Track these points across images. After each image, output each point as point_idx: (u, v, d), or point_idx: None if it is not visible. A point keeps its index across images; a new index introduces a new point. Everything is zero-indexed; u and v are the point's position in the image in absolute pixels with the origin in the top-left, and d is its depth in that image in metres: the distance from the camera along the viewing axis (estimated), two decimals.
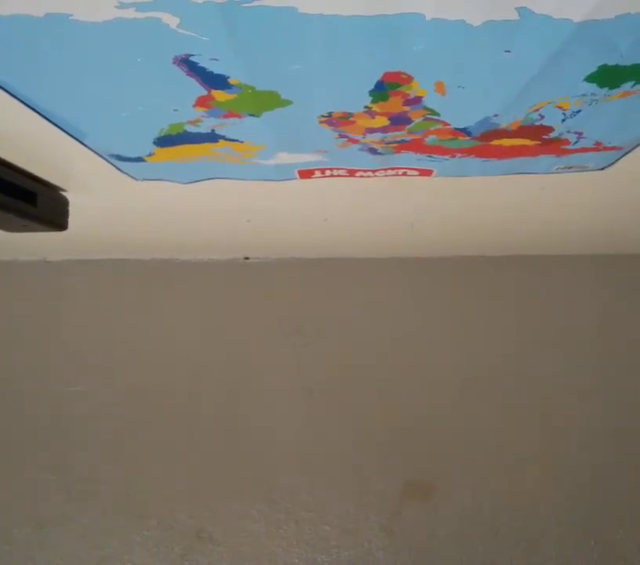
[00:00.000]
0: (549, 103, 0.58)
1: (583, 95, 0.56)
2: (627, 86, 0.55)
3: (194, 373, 1.36)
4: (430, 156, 0.74)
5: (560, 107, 0.59)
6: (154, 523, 1.28)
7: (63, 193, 0.88)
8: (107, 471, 1.31)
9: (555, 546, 1.23)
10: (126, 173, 0.80)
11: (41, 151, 0.73)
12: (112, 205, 0.98)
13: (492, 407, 1.30)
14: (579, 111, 0.60)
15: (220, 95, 0.55)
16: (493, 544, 1.24)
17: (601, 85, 0.54)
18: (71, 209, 0.90)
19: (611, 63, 0.50)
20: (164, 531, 1.28)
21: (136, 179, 0.83)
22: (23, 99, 0.57)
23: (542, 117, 0.61)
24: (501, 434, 1.29)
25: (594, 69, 0.51)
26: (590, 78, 0.53)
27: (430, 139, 0.68)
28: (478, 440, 1.29)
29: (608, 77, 0.53)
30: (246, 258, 1.41)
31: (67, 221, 0.90)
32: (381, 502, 1.27)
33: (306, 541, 1.26)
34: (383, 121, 0.62)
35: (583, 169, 0.79)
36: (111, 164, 0.76)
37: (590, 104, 0.58)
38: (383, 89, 0.55)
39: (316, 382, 1.34)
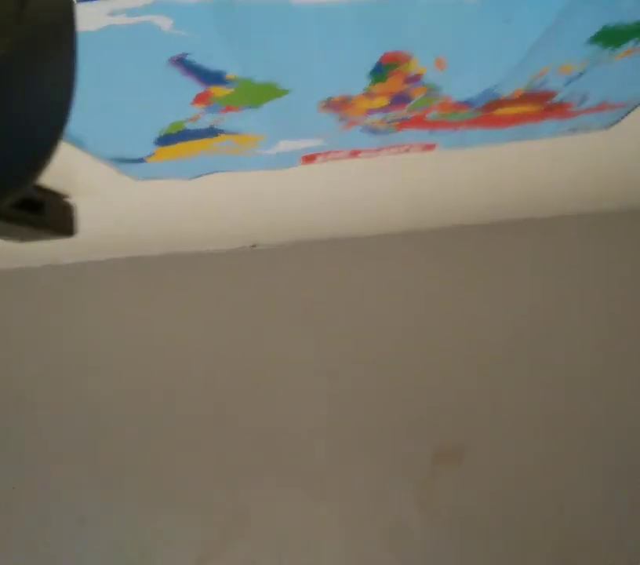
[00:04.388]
0: (552, 67, 0.57)
1: (587, 57, 0.55)
2: (630, 44, 0.53)
3: (213, 362, 1.37)
4: (432, 131, 0.73)
5: (563, 71, 0.58)
6: (191, 509, 1.31)
7: (69, 199, 0.87)
8: (138, 463, 1.34)
9: (587, 502, 1.24)
10: (128, 174, 0.80)
11: None
12: (117, 207, 0.98)
13: (517, 370, 1.31)
14: (583, 73, 0.59)
15: (217, 91, 0.54)
16: (526, 504, 1.25)
17: (605, 45, 0.53)
18: (77, 213, 0.90)
19: (614, 22, 0.49)
20: (201, 515, 1.31)
21: (138, 179, 0.82)
22: None
23: (545, 82, 0.60)
24: (528, 396, 1.30)
25: (597, 29, 0.50)
26: (593, 40, 0.51)
27: (431, 114, 0.67)
28: (506, 404, 1.30)
29: (611, 36, 0.51)
30: (253, 246, 1.41)
31: (75, 227, 0.89)
32: (413, 471, 1.29)
33: (341, 517, 1.28)
34: (383, 101, 0.61)
35: (587, 129, 0.77)
36: (113, 167, 0.76)
37: (594, 65, 0.57)
38: (382, 70, 0.54)
39: (336, 362, 1.35)
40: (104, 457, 1.35)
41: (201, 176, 0.83)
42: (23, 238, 0.84)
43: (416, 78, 0.56)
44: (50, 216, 0.81)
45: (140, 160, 0.73)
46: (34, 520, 1.34)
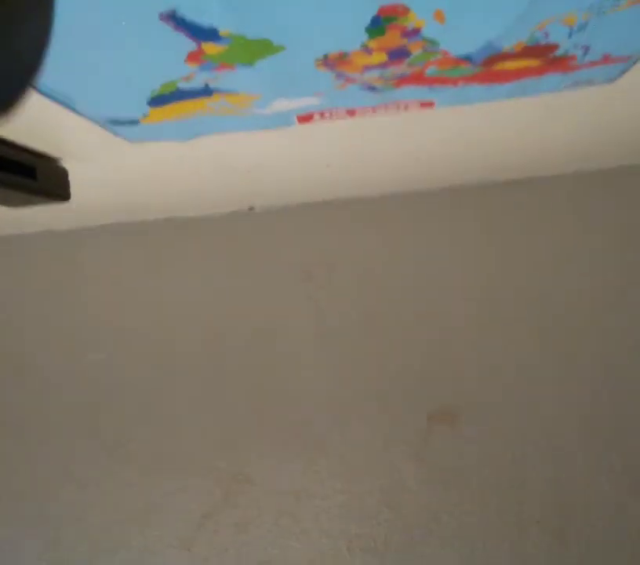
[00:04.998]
0: (554, 19, 0.55)
1: (590, 7, 0.53)
2: None
3: (213, 327, 1.38)
4: (430, 87, 0.72)
5: (566, 23, 0.56)
6: (193, 471, 1.33)
7: (61, 163, 0.86)
8: (140, 430, 1.35)
9: (581, 460, 1.27)
10: (122, 137, 0.78)
11: (33, 123, 0.71)
12: (111, 170, 0.96)
13: (511, 333, 1.31)
14: (585, 25, 0.57)
15: (210, 48, 0.53)
16: (521, 463, 1.28)
17: None
18: (71, 177, 0.89)
19: None
20: (203, 478, 1.33)
21: (132, 141, 0.81)
22: None
23: (547, 35, 0.58)
24: (521, 358, 1.31)
25: None
26: None
27: (430, 70, 0.65)
28: (499, 365, 1.31)
29: None
30: (251, 208, 1.40)
31: (68, 191, 0.88)
32: (409, 431, 1.31)
33: (339, 474, 1.31)
34: (381, 57, 0.59)
35: (590, 83, 0.76)
36: (106, 129, 0.74)
37: (597, 16, 0.55)
38: (379, 24, 0.52)
39: (335, 324, 1.35)
40: (105, 423, 1.37)
41: (196, 137, 0.82)
42: (15, 203, 0.83)
43: (414, 32, 0.54)
44: (43, 180, 0.80)
45: (134, 121, 0.71)
46: (37, 487, 1.36)
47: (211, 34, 0.50)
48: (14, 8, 0.24)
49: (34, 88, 0.59)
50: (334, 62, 0.59)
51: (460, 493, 1.28)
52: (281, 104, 0.71)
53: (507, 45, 0.60)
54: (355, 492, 1.30)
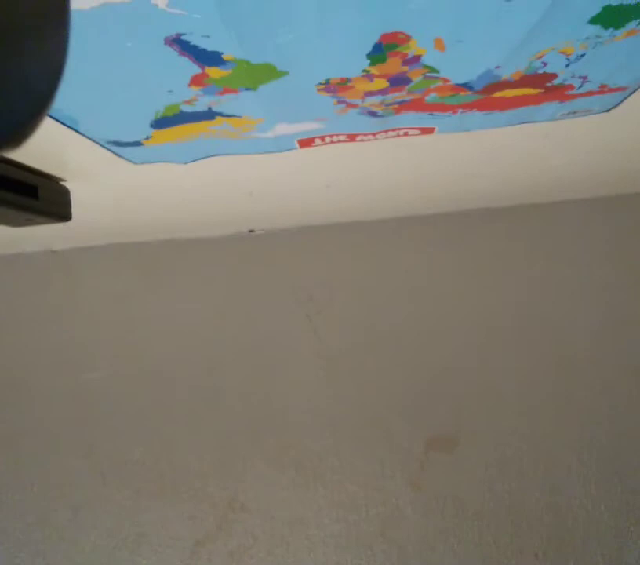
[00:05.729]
0: (552, 49, 0.56)
1: (588, 38, 0.54)
2: (632, 25, 0.53)
3: (210, 349, 1.37)
4: (431, 114, 0.73)
5: (563, 53, 0.57)
6: (187, 497, 1.31)
7: (63, 183, 0.87)
8: (135, 452, 1.34)
9: (580, 486, 1.25)
10: (125, 158, 0.79)
11: (37, 143, 0.72)
12: (112, 191, 0.97)
13: (509, 359, 1.31)
14: (583, 55, 0.58)
15: (214, 72, 0.54)
16: (519, 489, 1.26)
17: (606, 26, 0.52)
18: (72, 197, 0.89)
19: (615, 2, 0.48)
20: (197, 504, 1.31)
21: (134, 163, 0.81)
22: None
23: (545, 64, 0.59)
24: (519, 382, 1.30)
25: (598, 10, 0.49)
26: (594, 20, 0.51)
27: (430, 97, 0.66)
28: (497, 390, 1.30)
29: (612, 17, 0.51)
30: (251, 231, 1.40)
31: (70, 211, 0.89)
32: (406, 458, 1.30)
33: (336, 502, 1.29)
34: (382, 83, 0.60)
35: (588, 112, 0.77)
36: (109, 150, 0.75)
37: (594, 47, 0.56)
38: (381, 51, 0.53)
39: (333, 347, 1.35)
40: (99, 445, 1.35)
41: (198, 160, 0.82)
42: (16, 222, 0.83)
43: (415, 60, 0.55)
44: (44, 200, 0.80)
45: (137, 143, 0.72)
46: (30, 512, 1.34)
47: (215, 59, 0.51)
48: (27, 31, 0.24)
49: (47, 116, 0.60)
50: (336, 87, 0.60)
51: (458, 522, 1.26)
52: (283, 128, 0.72)
53: (505, 74, 0.61)
54: (351, 520, 1.28)
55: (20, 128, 0.25)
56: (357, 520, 1.28)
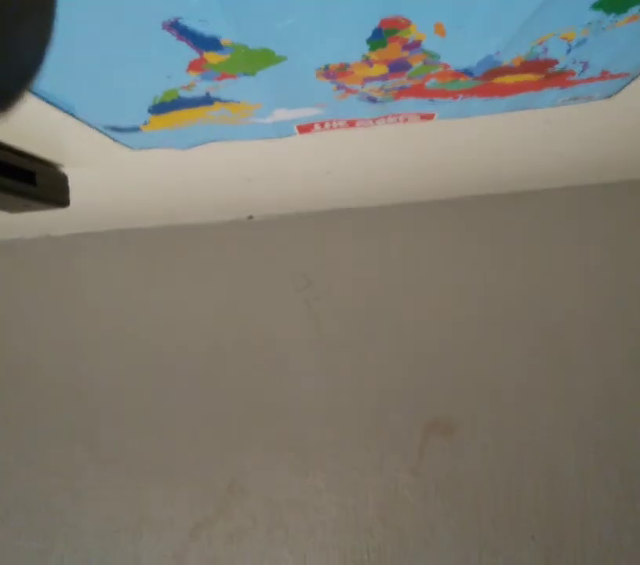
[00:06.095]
0: (553, 35, 0.56)
1: (589, 23, 0.54)
2: (634, 10, 0.52)
3: (210, 335, 1.38)
4: (431, 100, 0.72)
5: (565, 38, 0.57)
6: (186, 481, 1.33)
7: (61, 169, 0.86)
8: (134, 439, 1.35)
9: (578, 472, 1.27)
10: (122, 144, 0.78)
11: (34, 129, 0.72)
12: (111, 177, 0.96)
13: (507, 345, 1.32)
14: (584, 41, 0.57)
15: (212, 57, 0.53)
16: (517, 476, 1.27)
17: (608, 12, 0.52)
18: (71, 183, 0.89)
19: None
20: (197, 488, 1.32)
21: (132, 148, 0.81)
22: None
23: (546, 50, 0.59)
24: (517, 368, 1.31)
25: None
26: (596, 5, 0.50)
27: (430, 83, 0.66)
28: (495, 376, 1.31)
29: (615, 2, 0.50)
30: (250, 217, 1.40)
31: (68, 197, 0.88)
32: (405, 444, 1.31)
33: (335, 486, 1.30)
34: (382, 69, 0.60)
35: (589, 99, 0.76)
36: (106, 135, 0.75)
37: (596, 32, 0.56)
38: (380, 36, 0.52)
39: (332, 333, 1.35)
40: (99, 431, 1.36)
41: (196, 145, 0.82)
42: (14, 208, 0.83)
43: (415, 45, 0.55)
44: (42, 186, 0.80)
45: (135, 129, 0.72)
46: (32, 496, 1.35)
47: (213, 44, 0.51)
48: (13, 6, 0.24)
49: (32, 92, 0.60)
50: (335, 73, 0.60)
51: (456, 506, 1.27)
52: (282, 114, 0.72)
53: (506, 60, 0.60)
54: (350, 504, 1.29)
55: (4, 97, 0.25)
56: (356, 504, 1.29)
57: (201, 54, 0.52)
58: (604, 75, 0.68)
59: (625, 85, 0.72)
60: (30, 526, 1.34)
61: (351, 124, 0.79)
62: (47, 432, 1.37)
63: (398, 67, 0.60)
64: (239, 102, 0.66)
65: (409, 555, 1.26)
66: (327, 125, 0.78)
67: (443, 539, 1.26)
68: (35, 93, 0.60)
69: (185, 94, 0.62)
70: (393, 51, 0.55)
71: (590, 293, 1.32)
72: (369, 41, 0.53)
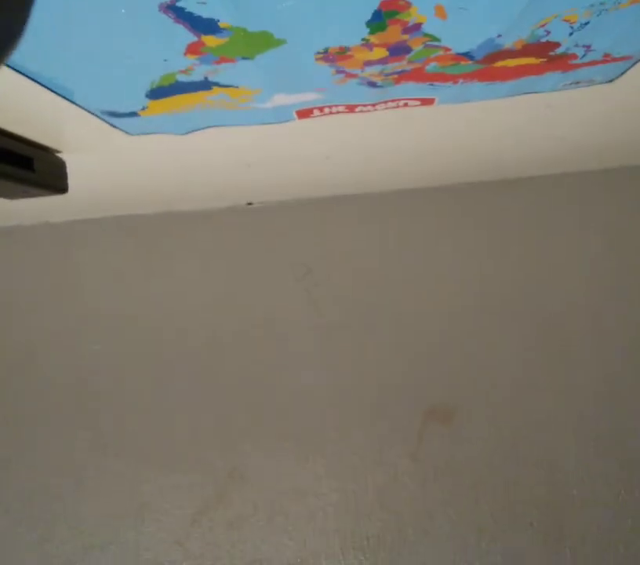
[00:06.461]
0: (555, 17, 0.55)
1: (592, 5, 0.53)
2: None
3: (209, 322, 1.38)
4: (431, 84, 0.72)
5: (567, 21, 0.56)
6: (186, 467, 1.33)
7: (59, 155, 0.86)
8: (135, 424, 1.35)
9: (576, 458, 1.27)
10: (120, 129, 0.78)
11: (31, 114, 0.71)
12: (109, 162, 0.96)
13: (508, 333, 1.32)
14: (587, 23, 0.57)
15: (210, 40, 0.53)
16: (515, 465, 1.28)
17: None
18: (68, 169, 0.89)
19: None
20: (196, 474, 1.33)
21: (130, 134, 0.80)
22: None
23: (548, 33, 0.58)
24: (516, 356, 1.31)
25: None
26: None
27: (431, 66, 0.65)
28: (495, 364, 1.31)
29: None
30: (249, 203, 1.39)
31: (66, 183, 0.88)
32: (404, 430, 1.31)
33: (335, 472, 1.31)
34: (382, 52, 0.59)
35: (591, 82, 0.76)
36: (104, 121, 0.74)
37: (599, 15, 0.55)
38: (380, 19, 0.52)
39: (332, 321, 1.35)
40: (100, 417, 1.37)
41: (195, 131, 0.81)
42: (12, 194, 0.83)
43: (415, 28, 0.54)
44: (40, 172, 0.80)
45: (133, 114, 0.71)
46: (33, 483, 1.36)
47: (211, 27, 0.50)
48: None
49: (18, 73, 0.59)
50: (334, 57, 0.59)
51: (455, 492, 1.28)
52: (281, 99, 0.71)
53: (507, 43, 0.60)
54: (350, 490, 1.30)
55: None
56: (356, 490, 1.30)
57: (199, 37, 0.52)
58: (606, 59, 0.67)
59: (627, 69, 0.72)
60: (30, 513, 1.35)
61: (351, 109, 0.78)
62: (47, 420, 1.37)
63: (398, 51, 0.59)
64: (238, 87, 0.66)
65: (408, 541, 1.27)
66: (326, 110, 0.78)
67: (442, 525, 1.27)
68: (32, 78, 0.59)
69: (183, 78, 0.61)
70: (393, 34, 0.55)
71: (590, 281, 1.32)
72: (368, 23, 0.52)
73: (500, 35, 0.58)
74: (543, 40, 0.60)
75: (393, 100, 0.77)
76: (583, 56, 0.65)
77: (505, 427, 1.29)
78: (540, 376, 1.30)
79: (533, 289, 1.32)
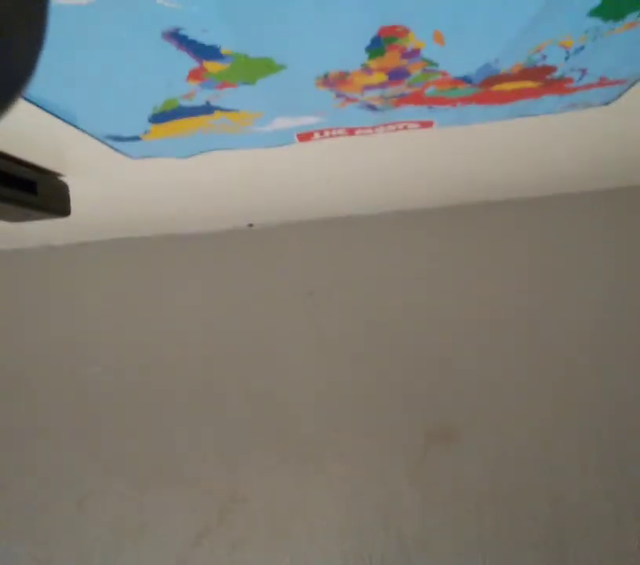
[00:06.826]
0: (551, 42, 0.56)
1: (587, 30, 0.54)
2: (631, 17, 0.53)
3: (210, 342, 1.38)
4: (430, 107, 0.73)
5: (563, 45, 0.57)
6: (188, 488, 1.32)
7: (62, 178, 0.86)
8: (135, 443, 1.35)
9: (580, 476, 1.26)
10: (123, 153, 0.79)
11: (35, 138, 0.72)
12: (111, 186, 0.97)
13: (510, 352, 1.31)
14: (582, 48, 0.58)
15: (212, 66, 0.53)
16: (519, 480, 1.27)
17: (606, 19, 0.52)
18: (71, 193, 0.89)
19: None
20: (198, 495, 1.32)
21: (132, 158, 0.81)
22: None
23: (544, 57, 0.59)
24: (519, 373, 1.30)
25: (598, 2, 0.49)
26: (594, 12, 0.50)
27: (429, 90, 0.66)
28: (497, 381, 1.31)
29: (612, 9, 0.50)
30: (250, 225, 1.40)
31: (69, 207, 0.89)
32: (406, 448, 1.30)
33: (337, 492, 1.30)
34: (381, 77, 0.60)
35: (587, 105, 0.76)
36: (107, 145, 0.75)
37: (594, 39, 0.56)
38: (379, 45, 0.53)
39: (333, 340, 1.35)
40: (102, 437, 1.36)
41: (197, 154, 0.82)
42: (15, 218, 0.83)
43: (414, 53, 0.55)
44: (43, 195, 0.80)
45: (135, 138, 0.72)
46: (33, 503, 1.35)
47: (213, 53, 0.51)
48: (3, 17, 0.25)
49: (32, 101, 0.60)
50: (334, 81, 0.60)
51: (457, 512, 1.26)
52: (282, 123, 0.72)
53: (504, 67, 0.61)
54: (351, 511, 1.28)
55: None
56: (358, 510, 1.29)
57: (201, 63, 0.53)
58: (602, 82, 0.68)
59: (623, 92, 0.72)
60: (30, 533, 1.34)
61: (351, 132, 0.79)
62: (49, 440, 1.37)
63: (397, 75, 0.60)
64: (239, 111, 0.66)
65: (411, 560, 1.25)
66: (327, 133, 0.79)
67: (443, 545, 1.25)
68: (36, 103, 0.60)
69: (185, 103, 0.62)
70: (392, 59, 0.56)
71: (592, 298, 1.32)
72: (367, 49, 0.53)
73: (497, 60, 0.58)
74: (540, 64, 0.61)
75: (392, 123, 0.78)
76: (580, 79, 0.66)
77: (507, 445, 1.28)
78: (542, 394, 1.29)
79: (534, 309, 1.32)
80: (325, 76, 0.58)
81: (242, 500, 1.31)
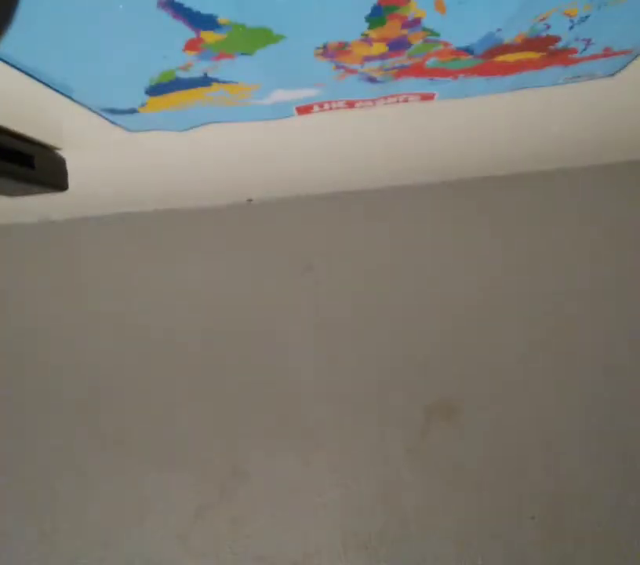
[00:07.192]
0: (556, 10, 0.55)
1: None
2: None
3: (211, 318, 1.38)
4: (431, 79, 0.71)
5: (567, 14, 0.56)
6: (189, 464, 1.34)
7: (59, 152, 0.86)
8: (137, 422, 1.36)
9: (579, 457, 1.27)
10: (120, 126, 0.78)
11: (31, 111, 0.71)
12: (109, 160, 0.96)
13: (511, 328, 1.31)
14: (587, 17, 0.56)
15: (209, 36, 0.52)
16: (519, 459, 1.28)
17: None
18: (69, 167, 0.88)
19: None
20: (200, 471, 1.34)
21: (130, 131, 0.80)
22: (3, 57, 0.54)
23: (548, 27, 0.58)
24: (518, 349, 1.31)
25: None
26: None
27: (430, 61, 0.65)
28: (496, 358, 1.31)
29: None
30: (250, 200, 1.39)
31: (66, 181, 0.88)
32: (407, 426, 1.31)
33: (336, 468, 1.31)
34: (381, 47, 0.59)
35: (591, 77, 0.75)
36: (104, 118, 0.74)
37: (599, 8, 0.55)
38: (379, 14, 0.52)
39: (333, 317, 1.35)
40: (103, 414, 1.37)
41: (194, 127, 0.81)
42: (13, 192, 0.83)
43: (415, 23, 0.54)
44: (41, 170, 0.79)
45: (132, 110, 0.71)
46: (34, 477, 1.36)
47: (210, 23, 0.50)
48: None
49: (18, 71, 0.59)
50: (334, 52, 0.59)
51: (456, 488, 1.28)
52: (281, 95, 0.71)
53: (507, 37, 0.59)
54: (351, 486, 1.30)
55: None
56: (358, 486, 1.30)
57: (197, 33, 0.52)
58: (606, 53, 0.67)
59: (628, 63, 0.71)
60: (32, 511, 1.36)
61: (351, 105, 0.78)
62: (48, 418, 1.38)
63: (397, 46, 0.59)
64: (237, 83, 0.65)
65: (411, 536, 1.27)
66: (326, 106, 0.77)
67: (443, 521, 1.27)
68: (32, 75, 0.59)
69: (182, 75, 0.61)
70: (392, 29, 0.55)
71: (595, 273, 1.31)
72: (368, 18, 0.52)
73: (500, 29, 0.57)
74: (544, 34, 0.60)
75: (393, 96, 0.77)
76: (584, 50, 0.65)
77: (507, 422, 1.29)
78: (542, 371, 1.30)
79: (536, 286, 1.32)
80: (325, 46, 0.57)
81: (243, 476, 1.33)
